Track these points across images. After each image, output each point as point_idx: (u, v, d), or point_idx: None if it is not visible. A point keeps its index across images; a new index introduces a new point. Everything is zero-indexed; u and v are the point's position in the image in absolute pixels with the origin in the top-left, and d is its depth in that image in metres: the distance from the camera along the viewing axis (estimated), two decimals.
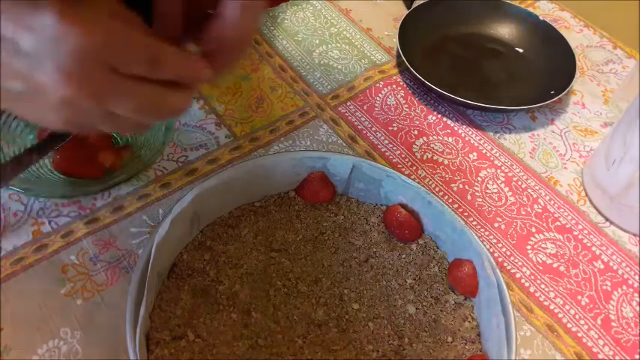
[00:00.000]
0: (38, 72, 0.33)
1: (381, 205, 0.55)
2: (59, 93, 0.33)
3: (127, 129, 0.39)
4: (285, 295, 0.48)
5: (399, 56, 0.71)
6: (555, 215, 0.59)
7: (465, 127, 0.66)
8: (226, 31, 0.39)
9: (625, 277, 0.55)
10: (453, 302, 0.49)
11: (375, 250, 0.52)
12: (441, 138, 0.65)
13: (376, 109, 0.67)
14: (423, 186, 0.52)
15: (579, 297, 0.53)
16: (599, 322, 0.52)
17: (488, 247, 0.55)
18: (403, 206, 0.53)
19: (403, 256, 0.52)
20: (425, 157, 0.63)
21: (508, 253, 0.56)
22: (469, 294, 0.49)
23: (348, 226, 0.53)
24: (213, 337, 0.45)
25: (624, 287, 0.54)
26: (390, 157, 0.62)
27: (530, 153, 0.64)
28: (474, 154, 0.64)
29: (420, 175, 0.61)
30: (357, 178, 0.54)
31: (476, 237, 0.48)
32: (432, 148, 0.64)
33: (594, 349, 0.50)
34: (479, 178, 0.61)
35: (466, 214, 0.58)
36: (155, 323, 0.45)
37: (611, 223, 0.59)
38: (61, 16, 0.32)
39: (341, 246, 0.52)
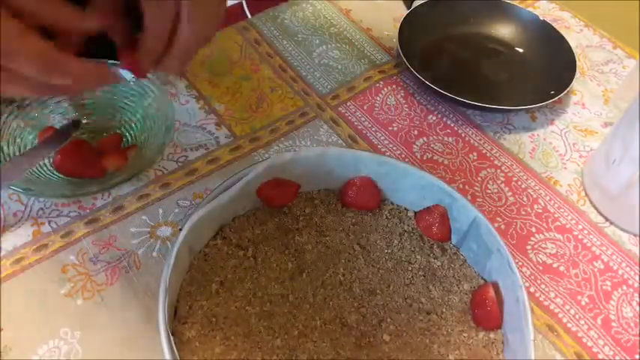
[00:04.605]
0: None
1: (484, 278, 0.50)
2: None
3: (36, 90, 0.38)
4: (337, 283, 0.48)
5: (399, 56, 0.71)
6: (555, 215, 0.59)
7: (464, 127, 0.66)
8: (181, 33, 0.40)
9: (625, 277, 0.55)
10: None
11: (444, 310, 0.48)
12: (441, 138, 0.65)
13: (376, 109, 0.67)
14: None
15: (579, 297, 0.53)
16: (599, 322, 0.52)
17: None
18: (495, 288, 0.48)
19: (469, 339, 0.47)
20: (425, 157, 0.63)
21: None
22: None
23: (438, 274, 0.50)
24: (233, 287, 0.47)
25: (624, 287, 0.54)
26: (390, 157, 0.62)
27: (530, 153, 0.64)
28: (474, 154, 0.64)
29: None
30: (473, 238, 0.50)
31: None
32: (432, 148, 0.64)
33: (594, 349, 0.50)
34: (479, 178, 0.61)
35: None
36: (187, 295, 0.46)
37: (611, 223, 0.59)
38: None
39: (418, 286, 0.49)
